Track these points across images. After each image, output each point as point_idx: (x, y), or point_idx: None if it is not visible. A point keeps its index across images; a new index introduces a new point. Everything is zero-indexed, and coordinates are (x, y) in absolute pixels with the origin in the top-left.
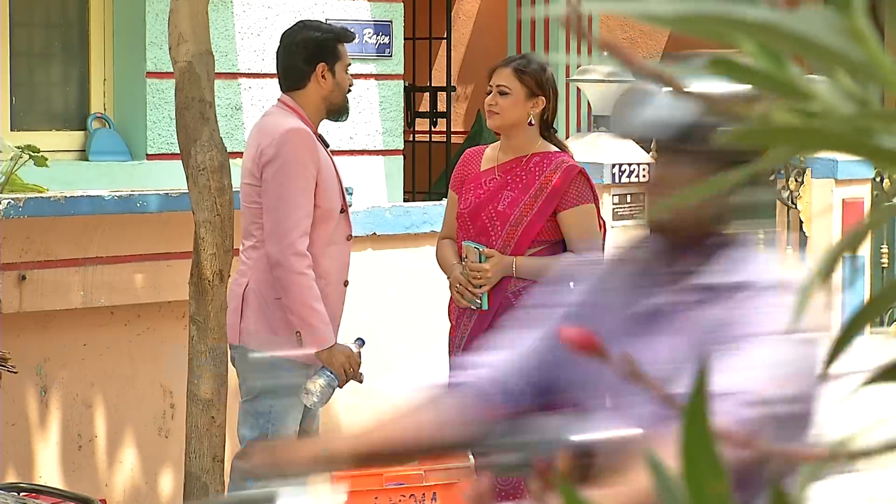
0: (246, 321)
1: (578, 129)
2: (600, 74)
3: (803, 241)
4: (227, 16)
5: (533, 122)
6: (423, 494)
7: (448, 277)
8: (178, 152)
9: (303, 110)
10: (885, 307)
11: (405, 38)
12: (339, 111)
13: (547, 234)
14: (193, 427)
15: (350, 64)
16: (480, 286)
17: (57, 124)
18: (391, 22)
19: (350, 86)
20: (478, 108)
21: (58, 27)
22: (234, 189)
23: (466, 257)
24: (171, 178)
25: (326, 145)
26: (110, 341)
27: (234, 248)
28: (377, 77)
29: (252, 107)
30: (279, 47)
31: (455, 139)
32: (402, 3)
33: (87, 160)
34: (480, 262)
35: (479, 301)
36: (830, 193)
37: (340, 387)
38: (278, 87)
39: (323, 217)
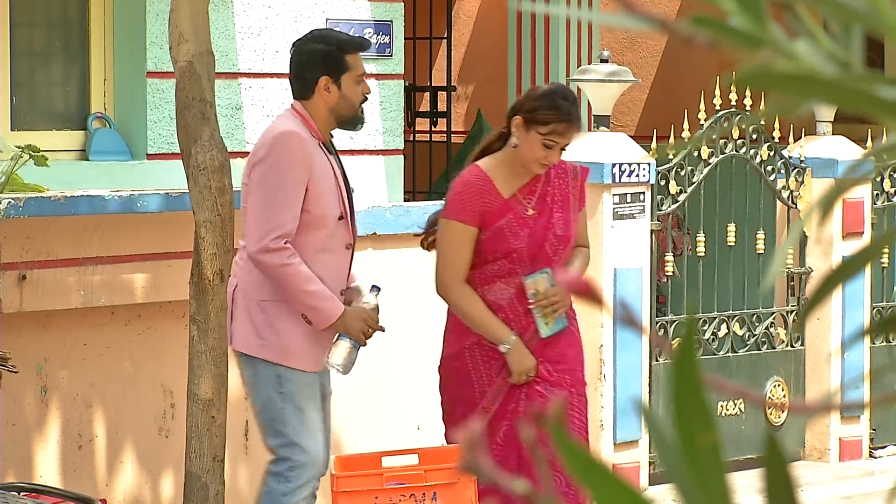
0: (234, 323)
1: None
2: (600, 74)
3: (803, 241)
4: (228, 15)
5: None
6: (424, 494)
7: (506, 342)
8: (179, 152)
9: (311, 119)
10: (881, 250)
11: (405, 38)
12: (349, 122)
13: None
14: (194, 427)
15: (363, 73)
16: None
17: (57, 124)
18: (391, 22)
19: (364, 95)
20: (478, 107)
21: (58, 27)
22: (234, 189)
23: (536, 291)
24: (172, 177)
25: (331, 152)
26: (110, 341)
27: (235, 248)
28: (377, 77)
29: (252, 106)
30: (290, 55)
31: (455, 139)
32: (403, 3)
33: (88, 160)
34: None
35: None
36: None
37: (364, 345)
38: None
39: (313, 223)
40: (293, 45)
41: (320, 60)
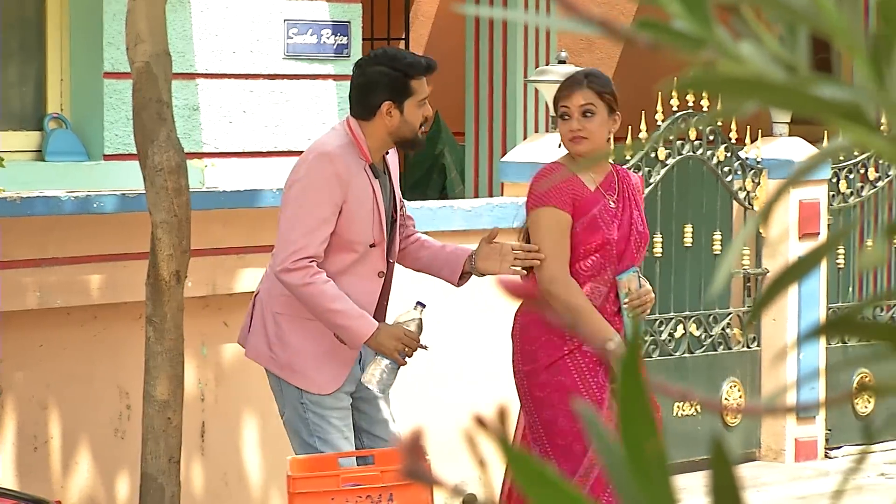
0: (251, 332)
1: (536, 130)
2: (557, 76)
3: (760, 242)
4: (185, 16)
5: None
6: (380, 495)
7: (613, 339)
8: (135, 153)
9: (365, 139)
10: (834, 248)
11: (363, 39)
12: (408, 145)
13: None
14: (150, 428)
15: (426, 97)
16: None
17: (13, 124)
18: (349, 23)
19: (425, 118)
20: (435, 109)
21: (14, 27)
22: (190, 190)
23: (629, 290)
24: (128, 178)
25: (377, 176)
26: (67, 342)
27: (191, 248)
28: (335, 77)
29: (209, 107)
30: (353, 74)
31: None
32: (361, 4)
33: (44, 160)
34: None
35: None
36: (787, 195)
37: (403, 364)
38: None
39: (341, 246)
40: (356, 63)
41: (385, 85)
